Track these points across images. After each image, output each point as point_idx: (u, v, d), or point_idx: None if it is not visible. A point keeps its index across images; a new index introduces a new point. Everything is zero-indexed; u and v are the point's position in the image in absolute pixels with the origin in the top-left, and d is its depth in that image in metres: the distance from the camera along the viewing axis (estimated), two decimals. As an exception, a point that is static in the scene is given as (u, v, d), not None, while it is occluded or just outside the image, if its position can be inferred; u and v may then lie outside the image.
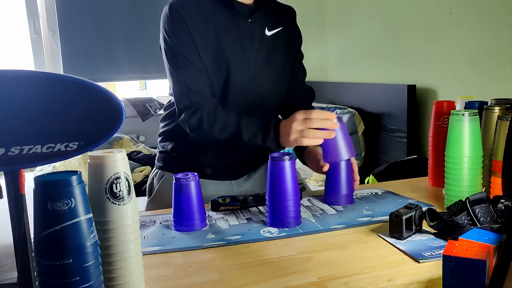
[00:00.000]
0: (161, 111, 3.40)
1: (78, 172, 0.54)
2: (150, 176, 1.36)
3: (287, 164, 0.94)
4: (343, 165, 1.06)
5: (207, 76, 1.18)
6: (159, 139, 1.35)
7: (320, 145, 1.06)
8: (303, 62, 1.41)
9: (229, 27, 1.19)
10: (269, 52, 1.26)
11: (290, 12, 1.36)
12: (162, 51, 1.22)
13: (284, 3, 1.36)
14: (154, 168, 1.36)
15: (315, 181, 2.52)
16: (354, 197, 1.12)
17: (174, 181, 0.98)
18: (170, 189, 1.26)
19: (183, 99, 1.17)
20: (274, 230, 0.94)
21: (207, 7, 1.18)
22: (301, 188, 1.32)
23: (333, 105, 2.82)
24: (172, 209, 0.98)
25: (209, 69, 1.19)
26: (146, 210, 1.30)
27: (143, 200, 1.35)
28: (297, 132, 1.03)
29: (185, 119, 1.17)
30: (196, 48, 1.17)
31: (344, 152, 1.05)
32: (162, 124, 1.36)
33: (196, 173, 0.99)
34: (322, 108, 2.82)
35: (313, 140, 1.03)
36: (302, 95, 1.38)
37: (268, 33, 1.26)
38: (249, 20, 1.21)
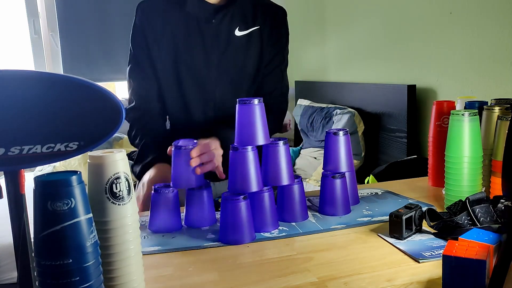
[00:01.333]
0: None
1: (78, 172, 0.54)
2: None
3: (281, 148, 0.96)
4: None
5: (152, 79, 1.21)
6: None
7: None
8: (286, 68, 1.31)
9: (188, 29, 1.18)
10: (238, 53, 1.21)
11: (275, 11, 1.26)
12: None
13: (275, 3, 1.28)
14: None
15: (315, 181, 2.52)
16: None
17: (152, 192, 0.97)
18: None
19: (128, 93, 1.24)
20: (274, 230, 0.94)
21: (168, 9, 1.19)
22: None
23: (333, 105, 2.82)
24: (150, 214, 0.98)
25: (163, 72, 1.20)
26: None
27: (143, 200, 1.35)
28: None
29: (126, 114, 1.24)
30: (148, 49, 1.20)
31: None
32: None
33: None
34: (322, 108, 2.82)
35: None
36: (270, 104, 1.23)
37: (238, 33, 1.20)
38: (213, 20, 1.18)
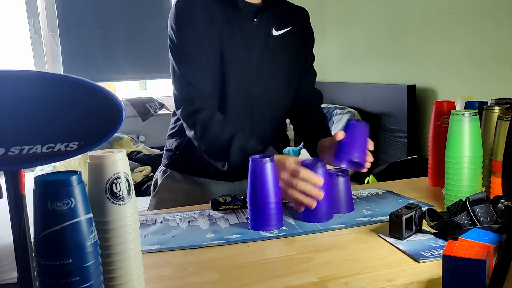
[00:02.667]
0: (164, 111, 3.40)
1: (78, 172, 0.54)
2: (156, 173, 1.38)
3: (268, 166, 0.93)
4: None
5: (210, 73, 1.17)
6: (167, 135, 1.36)
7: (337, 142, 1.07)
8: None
9: (233, 26, 1.18)
10: (275, 53, 1.24)
11: (301, 13, 1.33)
12: (169, 48, 1.22)
13: (296, 4, 1.34)
14: (161, 165, 1.37)
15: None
16: (354, 198, 1.12)
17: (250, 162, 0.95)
18: (171, 186, 1.29)
19: (182, 93, 1.17)
20: (273, 229, 0.94)
21: (213, 5, 1.18)
22: None
23: (333, 105, 2.82)
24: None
25: (212, 68, 1.19)
26: (149, 206, 1.32)
27: (143, 200, 1.36)
28: (281, 182, 1.00)
29: (182, 115, 1.18)
30: (202, 43, 1.17)
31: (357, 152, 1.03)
32: (171, 121, 1.36)
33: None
34: (323, 108, 2.82)
35: (293, 201, 1.00)
36: (310, 98, 1.38)
37: (275, 33, 1.24)
38: (255, 19, 1.20)
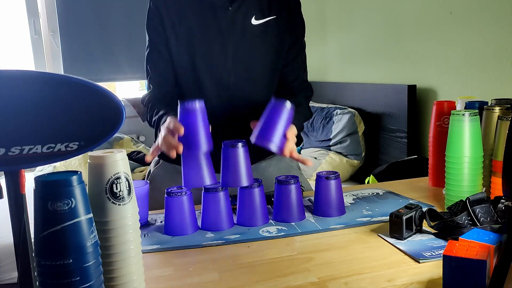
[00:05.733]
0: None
1: (79, 172, 0.54)
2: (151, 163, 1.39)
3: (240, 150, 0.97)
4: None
5: (169, 63, 1.22)
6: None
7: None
8: (305, 57, 1.31)
9: (204, 16, 1.17)
10: (254, 42, 1.21)
11: (289, 1, 1.27)
12: None
13: None
14: None
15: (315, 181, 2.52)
16: (354, 198, 1.11)
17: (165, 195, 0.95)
18: (162, 175, 1.30)
19: (146, 80, 1.27)
20: (272, 229, 0.94)
21: None
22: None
23: (333, 105, 2.82)
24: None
25: (179, 60, 1.21)
26: None
27: (143, 200, 1.36)
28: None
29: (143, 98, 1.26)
30: (165, 34, 1.20)
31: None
32: None
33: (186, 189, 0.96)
34: (322, 109, 2.82)
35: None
36: (295, 90, 1.28)
37: (255, 22, 1.20)
38: (230, 7, 1.18)
